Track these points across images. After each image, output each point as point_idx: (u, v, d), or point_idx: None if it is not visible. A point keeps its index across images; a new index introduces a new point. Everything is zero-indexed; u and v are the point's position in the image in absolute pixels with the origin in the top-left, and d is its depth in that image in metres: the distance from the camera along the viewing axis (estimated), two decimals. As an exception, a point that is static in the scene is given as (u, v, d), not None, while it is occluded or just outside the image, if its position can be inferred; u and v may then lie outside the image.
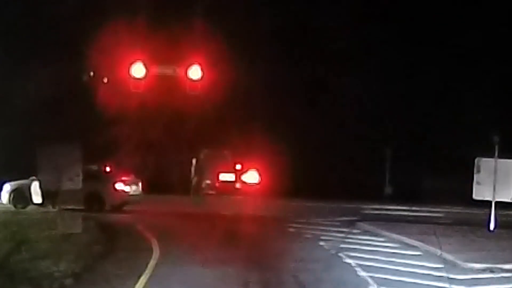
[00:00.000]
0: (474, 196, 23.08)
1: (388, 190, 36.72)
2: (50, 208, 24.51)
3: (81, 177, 20.74)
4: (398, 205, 30.76)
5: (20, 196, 26.39)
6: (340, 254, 18.05)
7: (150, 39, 30.28)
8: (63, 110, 32.40)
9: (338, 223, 25.17)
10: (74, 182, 20.39)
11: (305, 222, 24.65)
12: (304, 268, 16.07)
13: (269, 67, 35.83)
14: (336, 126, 36.77)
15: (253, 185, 35.88)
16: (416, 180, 34.90)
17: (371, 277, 14.97)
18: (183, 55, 28.94)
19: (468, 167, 23.48)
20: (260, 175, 36.01)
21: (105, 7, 32.29)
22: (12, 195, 26.72)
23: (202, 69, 28.00)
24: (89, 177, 24.46)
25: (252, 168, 36.08)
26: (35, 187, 25.51)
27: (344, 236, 21.73)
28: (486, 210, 23.08)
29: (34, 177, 25.13)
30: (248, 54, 34.78)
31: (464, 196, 24.46)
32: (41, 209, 25.00)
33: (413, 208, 29.77)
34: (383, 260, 17.16)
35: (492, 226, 22.83)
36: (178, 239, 20.12)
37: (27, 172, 25.26)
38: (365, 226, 24.24)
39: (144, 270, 15.00)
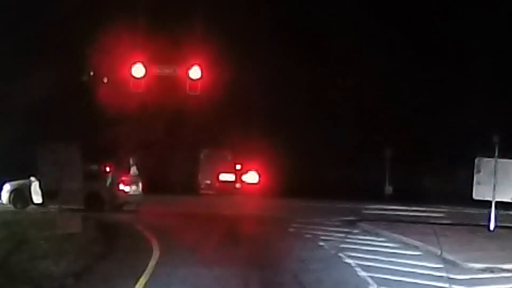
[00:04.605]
0: (474, 196, 23.10)
1: (388, 190, 36.72)
2: (50, 208, 24.50)
3: (81, 177, 20.72)
4: (398, 205, 30.76)
5: (20, 196, 26.38)
6: (340, 254, 18.05)
7: (151, 40, 30.30)
8: (63, 110, 32.40)
9: (338, 223, 25.18)
10: (74, 182, 20.37)
11: (305, 222, 24.64)
12: (304, 268, 16.07)
13: (269, 67, 35.85)
14: (336, 126, 36.79)
15: (253, 185, 35.90)
16: (416, 180, 34.91)
17: (371, 277, 14.97)
18: (183, 56, 28.96)
19: (468, 167, 23.48)
20: (260, 175, 36.02)
21: (106, 7, 32.30)
22: (12, 195, 26.70)
23: (201, 69, 28.03)
24: (89, 177, 24.44)
25: (252, 168, 36.10)
26: (35, 187, 25.50)
27: (344, 236, 21.73)
28: (486, 210, 23.08)
29: (34, 177, 25.12)
30: (248, 54, 34.79)
31: (464, 196, 24.46)
32: (41, 209, 24.99)
33: (413, 208, 29.77)
34: (383, 260, 17.16)
35: (492, 226, 22.84)
36: (178, 239, 20.12)
37: (27, 172, 25.25)
38: (365, 226, 24.25)
39: (144, 270, 15.00)
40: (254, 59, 35.32)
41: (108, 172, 27.82)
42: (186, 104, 32.24)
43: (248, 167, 36.32)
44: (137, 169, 30.64)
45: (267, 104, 36.36)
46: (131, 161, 29.68)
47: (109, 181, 27.24)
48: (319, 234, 21.76)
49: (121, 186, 27.34)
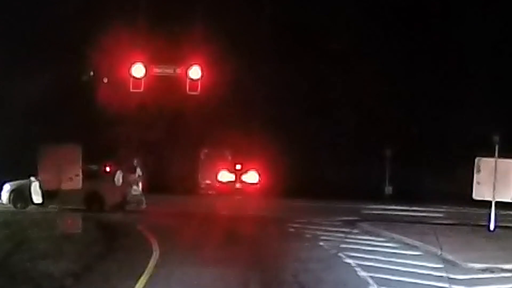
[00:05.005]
0: (474, 196, 23.09)
1: (388, 190, 36.71)
2: (50, 208, 24.50)
3: (81, 177, 20.75)
4: (398, 205, 30.77)
5: (20, 196, 26.35)
6: (340, 254, 18.06)
7: (150, 40, 30.30)
8: (63, 110, 32.39)
9: (338, 223, 25.18)
10: (74, 182, 20.40)
11: (305, 222, 24.64)
12: (304, 268, 16.07)
13: (269, 67, 35.83)
14: (336, 126, 36.78)
15: (253, 185, 35.89)
16: (416, 180, 34.88)
17: (371, 277, 14.98)
18: (183, 56, 28.96)
19: (468, 167, 23.48)
20: (260, 175, 36.01)
21: (106, 7, 32.29)
22: (12, 195, 26.67)
23: (202, 69, 28.04)
24: (89, 177, 24.47)
25: (252, 168, 36.09)
26: (35, 187, 25.49)
27: (344, 236, 21.74)
28: (486, 210, 23.08)
29: (34, 177, 25.13)
30: (248, 54, 34.78)
31: (464, 196, 24.46)
32: (41, 209, 24.99)
33: (413, 208, 29.77)
34: (383, 260, 17.17)
35: (492, 226, 22.84)
36: (178, 239, 20.11)
37: (27, 172, 25.24)
38: (365, 226, 24.25)
39: (144, 270, 15.00)
40: (254, 59, 35.31)
41: (109, 172, 27.81)
42: (186, 104, 32.22)
43: (248, 167, 36.30)
44: (140, 170, 30.76)
45: (267, 104, 36.35)
46: (135, 162, 29.81)
47: (119, 180, 27.25)
48: (319, 234, 21.77)
49: None
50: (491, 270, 16.45)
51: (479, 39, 34.39)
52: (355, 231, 23.35)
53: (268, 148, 33.97)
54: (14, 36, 31.88)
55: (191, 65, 28.12)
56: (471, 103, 33.93)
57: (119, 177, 27.37)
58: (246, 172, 36.28)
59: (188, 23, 33.41)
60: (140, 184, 29.03)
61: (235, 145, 35.74)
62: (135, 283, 13.77)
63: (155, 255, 17.15)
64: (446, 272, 15.83)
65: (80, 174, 20.86)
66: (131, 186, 27.99)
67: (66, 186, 20.35)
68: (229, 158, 36.76)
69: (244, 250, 18.46)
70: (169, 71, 29.11)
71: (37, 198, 25.65)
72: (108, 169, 28.04)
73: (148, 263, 15.91)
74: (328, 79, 37.25)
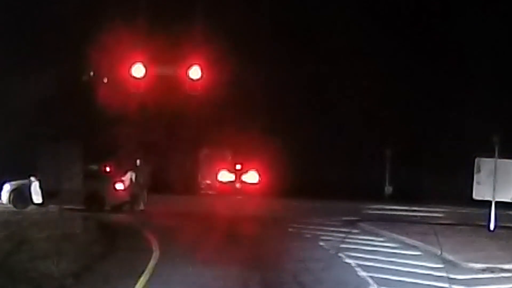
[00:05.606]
0: (474, 196, 23.10)
1: (388, 190, 36.72)
2: (50, 208, 24.49)
3: (81, 177, 20.73)
4: (398, 205, 30.77)
5: (20, 196, 26.36)
6: (340, 254, 18.06)
7: (150, 39, 30.28)
8: (63, 109, 32.38)
9: (338, 223, 25.17)
10: (74, 182, 20.37)
11: (305, 222, 24.64)
12: (304, 268, 16.08)
13: (269, 67, 35.85)
14: (336, 126, 36.78)
15: (253, 185, 35.90)
16: (416, 180, 34.89)
17: (371, 277, 14.99)
18: (183, 55, 28.94)
19: (468, 167, 23.48)
20: (260, 175, 36.02)
21: (106, 7, 32.30)
22: (12, 195, 26.69)
23: (202, 69, 28.02)
24: (89, 177, 24.46)
25: (252, 168, 36.11)
26: (35, 187, 25.50)
27: (344, 236, 21.74)
28: (486, 210, 23.08)
29: (34, 177, 25.12)
30: (248, 54, 34.77)
31: (464, 196, 24.47)
32: (41, 209, 24.98)
33: (413, 208, 29.77)
34: (383, 260, 17.17)
35: (492, 226, 22.85)
36: (178, 239, 20.12)
37: (27, 172, 25.24)
38: (365, 226, 24.25)
39: (144, 270, 15.00)
40: (254, 59, 35.30)
41: (109, 172, 27.79)
42: (186, 104, 32.22)
43: (248, 167, 36.32)
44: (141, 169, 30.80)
45: (267, 104, 36.36)
46: (138, 162, 29.92)
47: (132, 180, 27.28)
48: (319, 234, 21.77)
49: (121, 186, 27.34)
50: (491, 270, 16.46)
51: (479, 39, 34.38)
52: (355, 231, 23.35)
53: (268, 148, 33.99)
54: (14, 36, 31.88)
55: (191, 65, 28.10)
56: (471, 103, 33.93)
57: (132, 177, 27.44)
58: (246, 172, 36.30)
59: (188, 23, 33.40)
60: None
61: (235, 145, 35.77)
62: (136, 283, 13.77)
63: (155, 255, 17.15)
64: (446, 272, 15.84)
65: (80, 174, 20.82)
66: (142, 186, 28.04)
67: (66, 186, 20.30)
68: (229, 158, 36.79)
69: (244, 250, 18.47)
70: (169, 71, 29.09)
71: (37, 198, 25.66)
72: (108, 169, 28.05)
73: (148, 262, 15.91)
74: (328, 79, 37.25)
